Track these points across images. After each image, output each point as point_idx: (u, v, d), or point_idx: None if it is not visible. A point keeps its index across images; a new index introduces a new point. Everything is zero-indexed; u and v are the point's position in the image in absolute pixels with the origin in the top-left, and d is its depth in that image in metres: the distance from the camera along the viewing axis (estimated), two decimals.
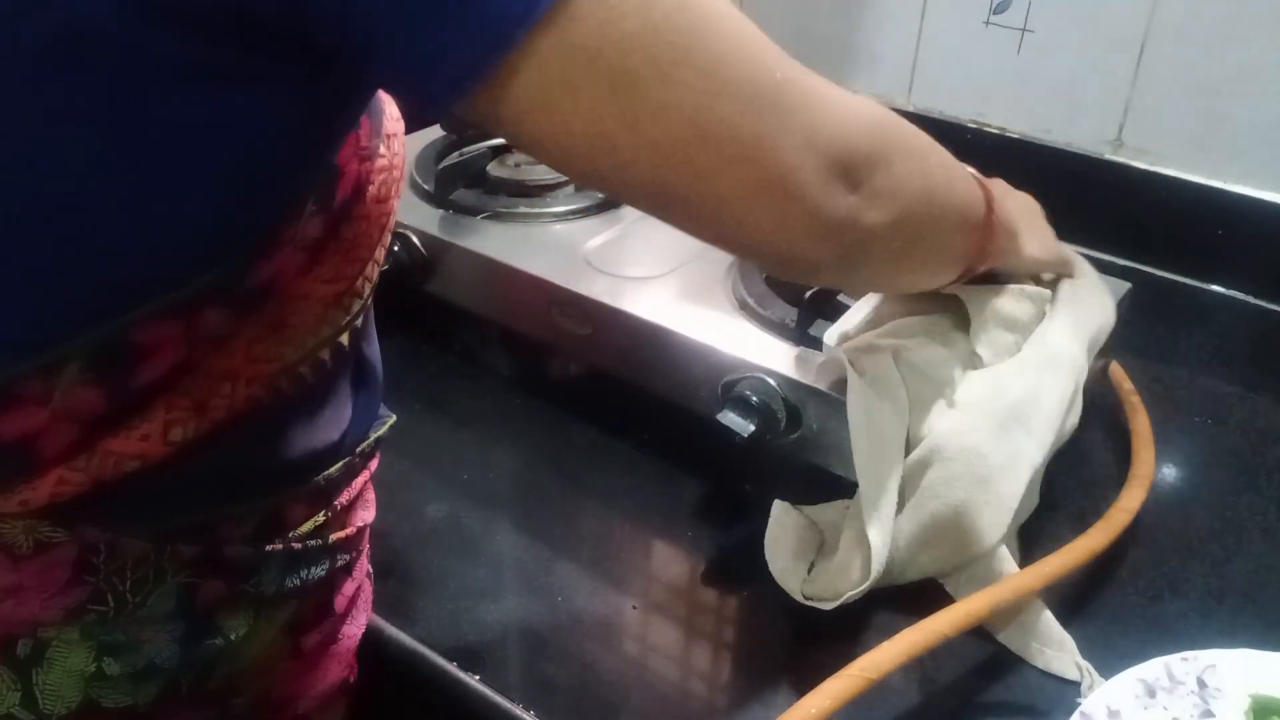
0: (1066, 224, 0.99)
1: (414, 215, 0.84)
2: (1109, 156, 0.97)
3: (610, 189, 0.45)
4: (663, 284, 0.74)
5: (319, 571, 0.52)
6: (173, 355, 0.43)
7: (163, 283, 0.41)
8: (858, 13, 1.06)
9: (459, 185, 0.86)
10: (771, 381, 0.65)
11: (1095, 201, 0.98)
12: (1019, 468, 0.60)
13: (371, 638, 0.61)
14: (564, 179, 0.88)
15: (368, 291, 0.51)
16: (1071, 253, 0.72)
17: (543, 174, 0.88)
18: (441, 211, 0.85)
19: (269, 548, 0.49)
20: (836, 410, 0.63)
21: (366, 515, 0.57)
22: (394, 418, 0.60)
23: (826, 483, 0.65)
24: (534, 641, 0.60)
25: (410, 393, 0.80)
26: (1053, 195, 1.00)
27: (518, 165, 0.90)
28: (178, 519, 0.46)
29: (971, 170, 0.59)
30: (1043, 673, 0.58)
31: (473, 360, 0.86)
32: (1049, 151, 1.00)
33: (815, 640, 0.60)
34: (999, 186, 0.65)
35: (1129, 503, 0.65)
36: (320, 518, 0.52)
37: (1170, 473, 0.74)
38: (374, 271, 0.51)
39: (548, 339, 0.77)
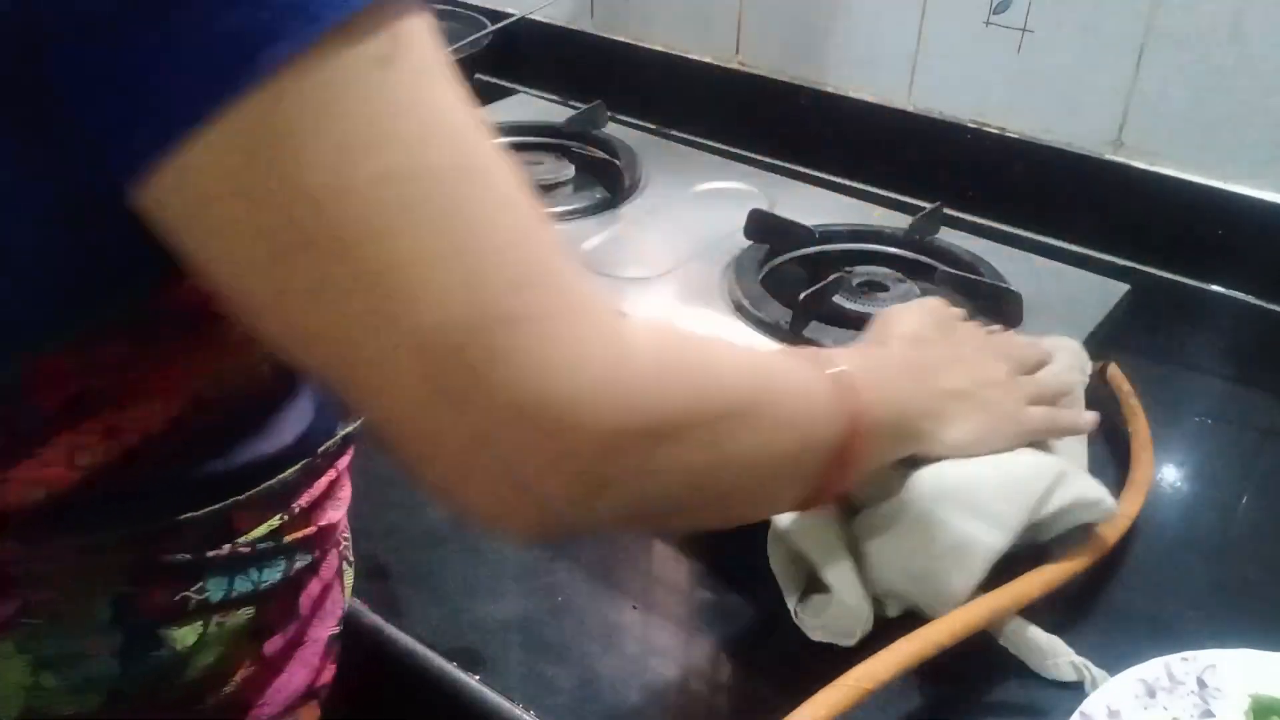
0: (1066, 224, 1.00)
1: None
2: (1109, 156, 0.97)
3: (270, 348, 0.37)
4: (659, 285, 0.74)
5: (273, 575, 0.49)
6: (70, 386, 0.40)
7: (58, 318, 0.38)
8: (858, 13, 1.06)
9: None
10: None
11: (1095, 201, 0.98)
12: (968, 558, 0.54)
13: (372, 638, 0.61)
14: (561, 179, 0.88)
15: None
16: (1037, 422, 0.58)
17: (540, 175, 0.88)
18: None
19: (212, 554, 0.46)
20: None
21: (334, 514, 0.54)
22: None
23: None
24: (534, 641, 0.60)
25: None
26: (1053, 195, 1.00)
27: None
28: (108, 532, 0.43)
29: (841, 371, 0.46)
30: None
31: None
32: (1049, 151, 1.00)
33: (815, 640, 0.60)
34: (885, 353, 0.54)
35: (1128, 508, 0.65)
36: (275, 521, 0.49)
37: (1170, 472, 0.74)
38: None
39: None
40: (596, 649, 0.60)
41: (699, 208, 0.86)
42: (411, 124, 0.32)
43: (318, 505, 0.52)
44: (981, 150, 1.03)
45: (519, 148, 0.95)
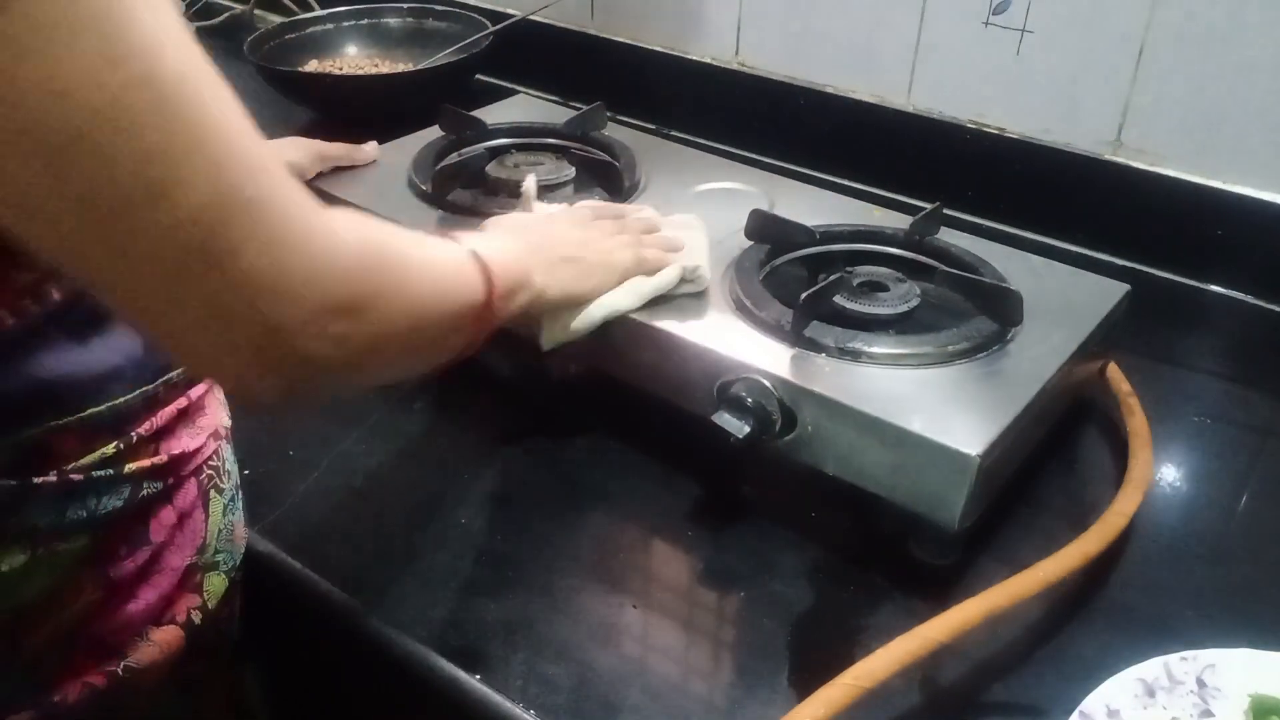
0: (1066, 225, 1.00)
1: (411, 215, 0.84)
2: (1108, 157, 0.97)
3: (42, 254, 0.40)
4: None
5: (113, 503, 0.50)
6: None
7: None
8: (858, 13, 1.06)
9: (456, 186, 0.86)
10: (766, 383, 0.65)
11: (1095, 201, 0.98)
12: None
13: (372, 637, 0.61)
14: (562, 180, 0.88)
15: None
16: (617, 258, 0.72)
17: (540, 176, 0.88)
18: (439, 212, 0.85)
19: (38, 480, 0.47)
20: (832, 412, 0.63)
21: (190, 442, 0.55)
22: None
23: (823, 484, 0.65)
24: (534, 641, 0.60)
25: (410, 393, 0.80)
26: (1052, 196, 1.00)
27: (516, 166, 0.90)
28: None
29: (472, 244, 0.58)
30: (1042, 672, 0.58)
31: (472, 360, 0.85)
32: (1049, 151, 1.00)
33: (814, 639, 0.61)
34: (518, 235, 0.68)
35: (1124, 506, 0.65)
36: (109, 449, 0.49)
37: (1170, 471, 0.74)
38: None
39: None
40: (596, 649, 0.60)
41: (699, 208, 0.86)
42: (145, 36, 0.36)
43: (167, 433, 0.53)
44: (981, 151, 1.03)
45: (520, 148, 0.95)
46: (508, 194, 0.87)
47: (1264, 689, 0.53)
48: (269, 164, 0.39)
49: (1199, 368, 0.87)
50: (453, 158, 0.89)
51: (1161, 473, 0.74)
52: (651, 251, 0.73)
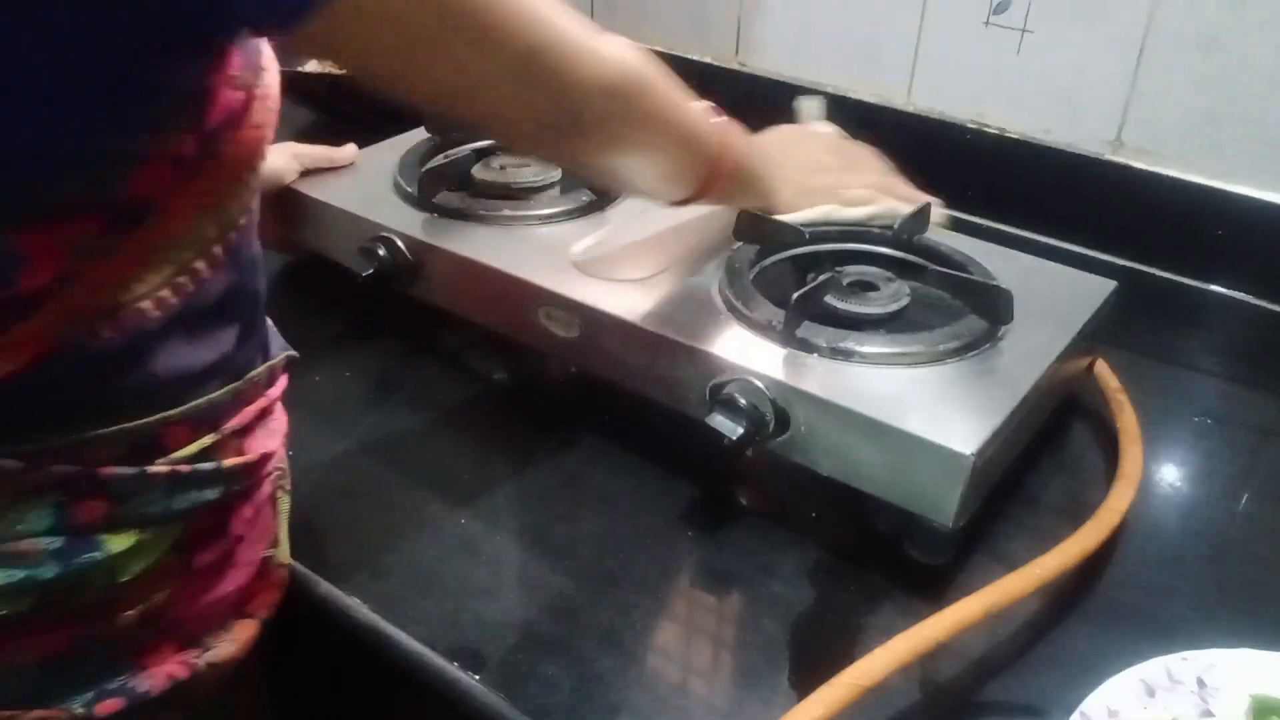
0: (1066, 224, 1.00)
1: (398, 218, 0.84)
2: (1109, 157, 0.97)
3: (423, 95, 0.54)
4: (650, 287, 0.74)
5: (210, 495, 0.53)
6: (52, 265, 0.44)
7: (28, 188, 0.42)
8: (858, 13, 1.06)
9: (443, 188, 0.86)
10: (759, 384, 0.65)
11: (1095, 202, 0.98)
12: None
13: (372, 637, 0.61)
14: (548, 182, 0.88)
15: (236, 212, 0.52)
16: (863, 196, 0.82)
17: (528, 177, 0.88)
18: (425, 215, 0.84)
19: (151, 470, 0.50)
20: (825, 412, 0.63)
21: (269, 443, 0.58)
22: (294, 353, 0.62)
23: (820, 484, 0.65)
24: (534, 641, 0.60)
25: (403, 396, 0.80)
26: (1052, 195, 1.00)
27: (502, 168, 0.89)
28: (43, 439, 0.47)
29: (723, 124, 0.69)
30: (1042, 673, 0.58)
31: (463, 363, 0.86)
32: (1049, 152, 1.00)
33: (813, 639, 0.61)
34: (768, 142, 0.80)
35: (1118, 502, 0.65)
36: (206, 441, 0.53)
37: (1171, 471, 0.74)
38: (247, 196, 0.53)
39: (535, 342, 0.77)
40: (596, 649, 0.60)
41: (686, 208, 0.86)
42: None
43: (250, 431, 0.56)
44: (981, 151, 1.03)
45: (505, 149, 0.94)
46: (493, 196, 0.86)
47: (1264, 689, 0.53)
48: (558, 17, 0.55)
49: (1200, 368, 0.87)
50: (438, 160, 0.89)
51: (1162, 472, 0.74)
52: (881, 197, 0.82)
